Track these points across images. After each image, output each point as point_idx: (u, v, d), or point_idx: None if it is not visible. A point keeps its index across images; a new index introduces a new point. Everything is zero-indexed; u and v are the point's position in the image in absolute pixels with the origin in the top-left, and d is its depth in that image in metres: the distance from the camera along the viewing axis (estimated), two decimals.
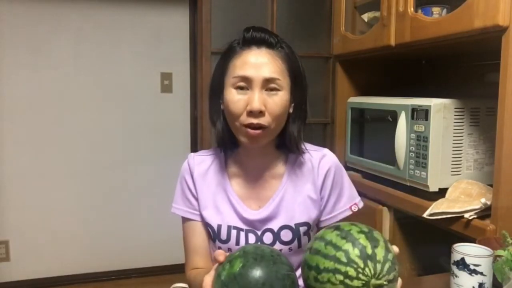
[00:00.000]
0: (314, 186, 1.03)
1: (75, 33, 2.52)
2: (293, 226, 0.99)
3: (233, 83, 0.93)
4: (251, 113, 0.91)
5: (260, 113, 0.91)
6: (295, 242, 1.00)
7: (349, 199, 1.05)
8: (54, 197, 2.58)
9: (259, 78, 0.92)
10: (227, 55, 0.98)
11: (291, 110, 0.99)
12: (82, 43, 2.54)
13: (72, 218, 2.62)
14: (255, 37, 0.95)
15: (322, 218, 1.04)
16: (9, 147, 2.49)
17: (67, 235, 2.62)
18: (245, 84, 0.92)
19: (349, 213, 1.04)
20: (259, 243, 0.99)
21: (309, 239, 1.02)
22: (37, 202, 2.56)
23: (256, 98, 0.91)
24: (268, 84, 0.93)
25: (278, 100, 0.93)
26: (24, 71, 2.47)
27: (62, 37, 2.51)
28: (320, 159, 1.04)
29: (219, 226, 1.01)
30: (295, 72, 0.98)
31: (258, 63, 0.93)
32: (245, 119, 0.92)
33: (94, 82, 2.58)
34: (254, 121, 0.92)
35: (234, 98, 0.93)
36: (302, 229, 1.00)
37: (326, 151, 1.07)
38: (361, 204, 1.07)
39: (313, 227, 1.03)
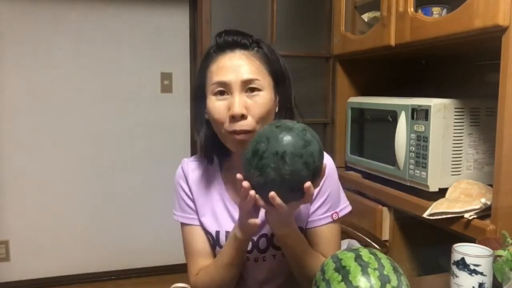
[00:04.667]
0: None
1: (75, 33, 2.52)
2: None
3: (212, 90, 0.91)
4: (233, 118, 0.88)
5: (242, 117, 0.88)
6: None
7: (333, 206, 1.01)
8: (54, 197, 2.58)
9: (237, 81, 0.89)
10: (204, 62, 0.95)
11: (276, 110, 0.97)
12: (82, 43, 2.54)
13: (72, 218, 2.62)
14: (227, 41, 0.93)
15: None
16: (9, 147, 2.49)
17: (67, 235, 2.62)
18: (224, 89, 0.90)
19: (329, 220, 1.00)
20: (255, 249, 0.99)
21: None
22: (37, 202, 2.56)
23: (237, 102, 0.88)
24: (247, 85, 0.90)
25: (260, 101, 0.90)
26: (24, 71, 2.47)
27: (62, 37, 2.51)
28: None
29: (217, 233, 1.00)
30: (277, 71, 0.96)
31: (234, 66, 0.90)
32: (228, 126, 0.89)
33: (94, 82, 2.58)
34: (237, 127, 0.88)
35: (215, 105, 0.91)
36: None
37: None
38: (343, 213, 1.03)
39: (304, 229, 1.00)
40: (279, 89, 0.96)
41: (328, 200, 1.00)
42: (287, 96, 0.98)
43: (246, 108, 0.89)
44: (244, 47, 0.93)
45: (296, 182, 0.76)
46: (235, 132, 0.89)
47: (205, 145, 0.98)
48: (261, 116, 0.91)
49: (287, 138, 0.76)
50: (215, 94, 0.91)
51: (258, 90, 0.91)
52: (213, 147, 0.98)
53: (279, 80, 0.96)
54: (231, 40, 0.93)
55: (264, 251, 0.99)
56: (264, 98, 0.91)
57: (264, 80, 0.92)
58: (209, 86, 0.92)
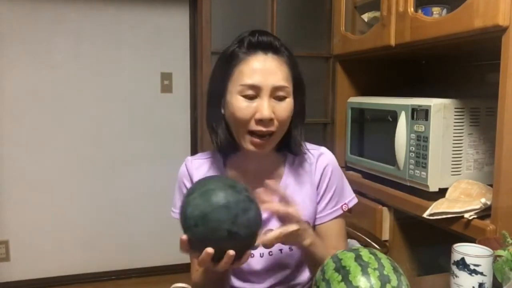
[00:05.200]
0: (312, 185, 1.03)
1: (75, 33, 2.52)
2: None
3: (240, 90, 0.92)
4: (261, 121, 0.91)
5: (270, 121, 0.91)
6: None
7: (341, 199, 1.05)
8: (54, 197, 2.58)
9: (268, 86, 0.91)
10: (230, 60, 0.95)
11: (292, 114, 0.99)
12: (82, 43, 2.54)
13: (72, 218, 2.62)
14: (262, 41, 0.93)
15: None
16: (9, 147, 2.49)
17: (67, 235, 2.62)
18: (253, 92, 0.91)
19: (339, 212, 1.04)
20: (261, 245, 1.00)
21: None
22: (37, 202, 2.56)
23: (266, 106, 0.90)
24: (276, 92, 0.92)
25: (286, 107, 0.94)
26: (24, 71, 2.47)
27: (62, 37, 2.51)
28: (317, 157, 1.05)
29: None
30: (297, 77, 0.98)
31: (266, 70, 0.92)
32: (253, 125, 0.92)
33: (94, 82, 2.58)
34: (264, 128, 0.92)
35: (242, 105, 0.91)
36: None
37: (323, 149, 1.07)
38: (352, 203, 1.07)
39: (312, 226, 1.03)
40: (297, 95, 0.99)
41: (336, 193, 1.04)
42: (302, 101, 1.01)
43: (273, 112, 0.92)
44: (276, 50, 0.94)
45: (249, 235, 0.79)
46: (258, 133, 0.92)
47: (225, 140, 0.99)
48: (284, 121, 0.94)
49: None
50: (244, 95, 0.92)
51: (285, 97, 0.94)
52: (228, 142, 1.00)
53: (298, 86, 0.99)
54: (266, 41, 0.94)
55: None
56: (289, 104, 0.95)
57: (290, 88, 0.95)
58: (236, 85, 0.92)
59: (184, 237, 0.78)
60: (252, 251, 0.99)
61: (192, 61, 2.67)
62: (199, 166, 1.05)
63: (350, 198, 1.07)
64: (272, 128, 0.93)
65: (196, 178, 1.03)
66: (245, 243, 0.79)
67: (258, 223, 0.80)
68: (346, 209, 1.05)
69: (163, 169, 2.67)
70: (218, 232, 0.75)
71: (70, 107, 2.56)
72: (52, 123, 2.54)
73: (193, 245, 0.78)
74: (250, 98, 0.92)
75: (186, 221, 0.78)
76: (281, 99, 0.93)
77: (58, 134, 2.56)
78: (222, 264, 0.78)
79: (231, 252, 0.76)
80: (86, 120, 2.59)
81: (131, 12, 2.58)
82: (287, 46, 0.98)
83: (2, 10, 2.41)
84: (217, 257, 0.77)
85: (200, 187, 0.81)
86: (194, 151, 2.73)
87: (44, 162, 2.55)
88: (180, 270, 2.68)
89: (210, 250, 0.76)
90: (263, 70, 0.92)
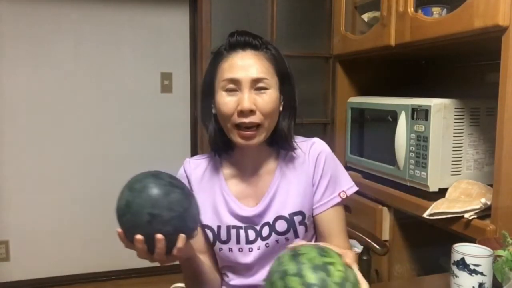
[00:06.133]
0: (307, 175, 1.04)
1: (75, 33, 2.52)
2: (287, 216, 1.01)
3: (222, 86, 0.96)
4: (242, 113, 0.94)
5: (251, 112, 0.94)
6: (291, 232, 1.02)
7: (338, 186, 1.06)
8: (54, 197, 2.58)
9: (247, 79, 0.95)
10: (215, 60, 1.01)
11: (281, 109, 1.02)
12: (82, 43, 2.54)
13: (72, 218, 2.62)
14: (240, 41, 0.98)
15: (313, 206, 1.05)
16: (9, 147, 2.49)
17: (67, 235, 2.62)
18: (234, 86, 0.95)
19: (338, 200, 1.05)
20: (259, 238, 1.02)
21: (306, 229, 1.03)
22: (37, 202, 2.56)
23: (246, 98, 0.94)
24: (256, 84, 0.96)
25: (268, 98, 0.96)
26: (24, 71, 2.47)
27: (62, 37, 2.51)
28: (310, 147, 1.06)
29: (219, 227, 1.03)
30: (282, 72, 1.01)
31: (245, 64, 0.96)
32: (236, 118, 0.95)
33: (94, 82, 2.59)
34: (246, 120, 0.94)
35: (225, 100, 0.96)
36: (297, 218, 1.02)
37: (315, 139, 1.09)
38: (351, 191, 1.07)
39: (309, 217, 1.04)
40: (284, 89, 1.02)
41: (332, 180, 1.05)
42: (291, 95, 1.04)
43: (255, 104, 0.95)
44: (254, 47, 0.99)
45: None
46: (242, 125, 0.95)
47: (214, 138, 1.03)
48: (267, 112, 0.96)
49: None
50: (226, 90, 0.96)
51: (266, 88, 0.97)
52: (221, 140, 1.03)
53: (285, 81, 1.02)
54: (243, 40, 0.98)
55: (267, 238, 1.02)
56: (271, 96, 0.97)
57: (271, 80, 0.98)
58: (219, 82, 0.97)
59: (119, 230, 0.84)
60: (250, 245, 1.01)
61: (192, 61, 2.68)
62: (197, 166, 1.09)
63: (349, 186, 1.07)
64: (255, 120, 0.95)
65: (194, 178, 1.07)
66: (174, 227, 0.80)
67: (183, 206, 0.82)
68: (345, 196, 1.05)
69: (162, 169, 2.66)
70: (141, 216, 0.80)
71: (70, 107, 2.56)
72: (52, 123, 2.54)
73: (127, 236, 0.82)
74: (232, 92, 0.96)
75: (117, 214, 0.83)
76: (262, 91, 0.96)
77: (58, 134, 2.56)
78: (158, 251, 0.81)
79: (159, 236, 0.79)
80: (86, 120, 2.59)
81: (131, 12, 2.59)
82: (271, 44, 1.02)
83: (2, 10, 2.41)
84: (152, 247, 0.80)
85: (129, 182, 0.86)
86: (194, 151, 2.74)
87: (44, 162, 2.55)
88: (180, 270, 2.67)
89: (139, 237, 0.80)
90: (242, 64, 0.96)
